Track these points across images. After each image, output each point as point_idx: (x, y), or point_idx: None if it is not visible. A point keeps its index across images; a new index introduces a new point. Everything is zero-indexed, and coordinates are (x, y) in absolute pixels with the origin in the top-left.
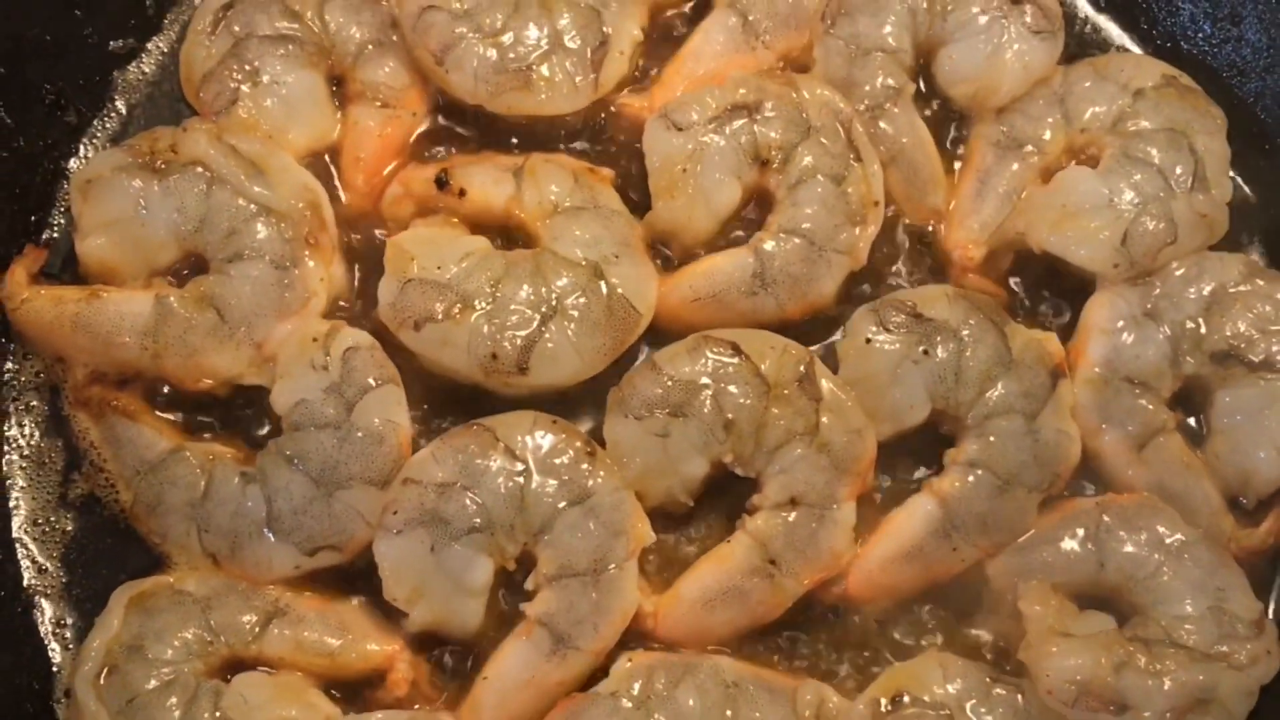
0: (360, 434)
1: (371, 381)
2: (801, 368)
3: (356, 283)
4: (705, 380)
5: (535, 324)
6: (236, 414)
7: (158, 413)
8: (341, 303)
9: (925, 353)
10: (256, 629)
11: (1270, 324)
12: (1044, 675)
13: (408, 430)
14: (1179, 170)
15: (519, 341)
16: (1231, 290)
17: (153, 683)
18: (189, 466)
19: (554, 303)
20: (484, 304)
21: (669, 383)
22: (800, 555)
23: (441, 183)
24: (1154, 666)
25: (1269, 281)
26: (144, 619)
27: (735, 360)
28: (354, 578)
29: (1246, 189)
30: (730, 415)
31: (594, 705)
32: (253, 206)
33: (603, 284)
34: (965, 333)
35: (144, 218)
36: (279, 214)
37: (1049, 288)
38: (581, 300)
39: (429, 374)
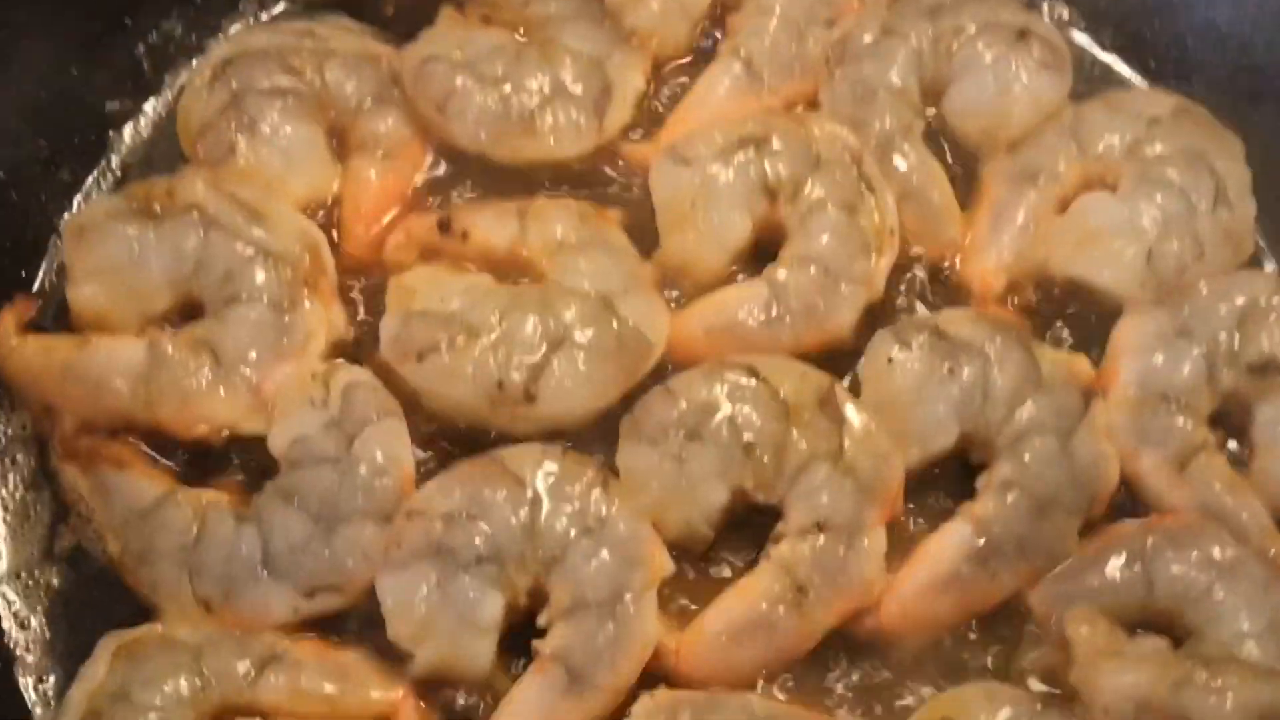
0: (362, 467)
1: (373, 415)
2: (822, 392)
3: (354, 331)
4: (722, 403)
5: (543, 352)
6: (234, 464)
7: (149, 461)
8: (343, 352)
9: (950, 371)
10: (251, 675)
11: None
12: (1099, 693)
13: (410, 465)
14: (1200, 190)
15: (526, 370)
16: (1263, 304)
17: None
18: (181, 511)
19: (562, 333)
20: (489, 335)
21: (684, 406)
22: (830, 582)
23: (444, 226)
24: (1215, 683)
25: None
26: (131, 667)
27: (753, 383)
28: (355, 624)
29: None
30: (749, 438)
31: None
32: (250, 249)
33: (613, 316)
34: (991, 351)
35: (138, 263)
36: (277, 256)
37: (1072, 323)
38: (590, 330)
39: (434, 417)
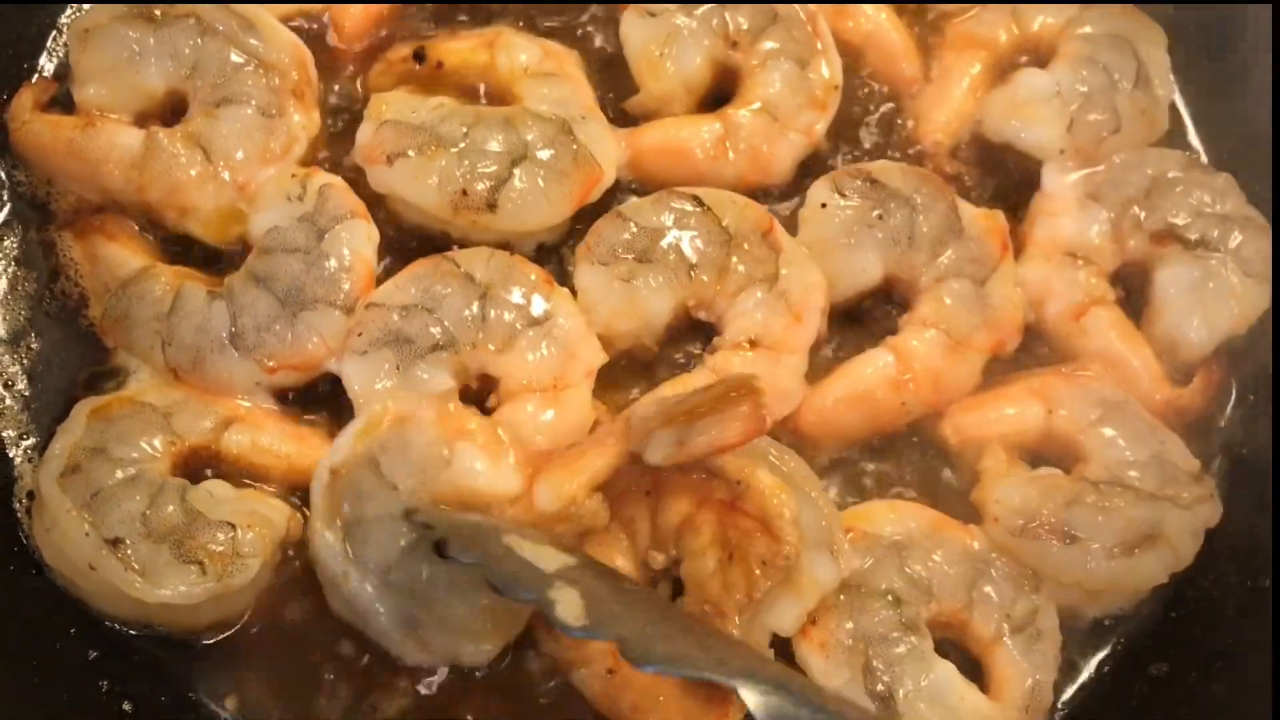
0: (329, 260)
1: (344, 214)
2: (762, 225)
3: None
4: (669, 228)
5: (506, 165)
6: (212, 258)
7: (137, 237)
8: (322, 154)
9: (879, 217)
10: (216, 431)
11: (1206, 208)
12: (992, 504)
13: (372, 263)
14: (1123, 70)
15: (489, 180)
16: (1171, 177)
17: (118, 475)
18: (158, 283)
19: (524, 150)
20: (455, 146)
21: (635, 229)
22: None
23: (420, 57)
24: (1102, 503)
25: (1205, 173)
26: (106, 426)
27: (698, 211)
28: (314, 402)
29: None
30: (693, 259)
31: None
32: (243, 57)
33: (571, 139)
34: (918, 200)
35: (138, 64)
36: (268, 65)
37: (1001, 185)
38: (550, 151)
39: (398, 226)
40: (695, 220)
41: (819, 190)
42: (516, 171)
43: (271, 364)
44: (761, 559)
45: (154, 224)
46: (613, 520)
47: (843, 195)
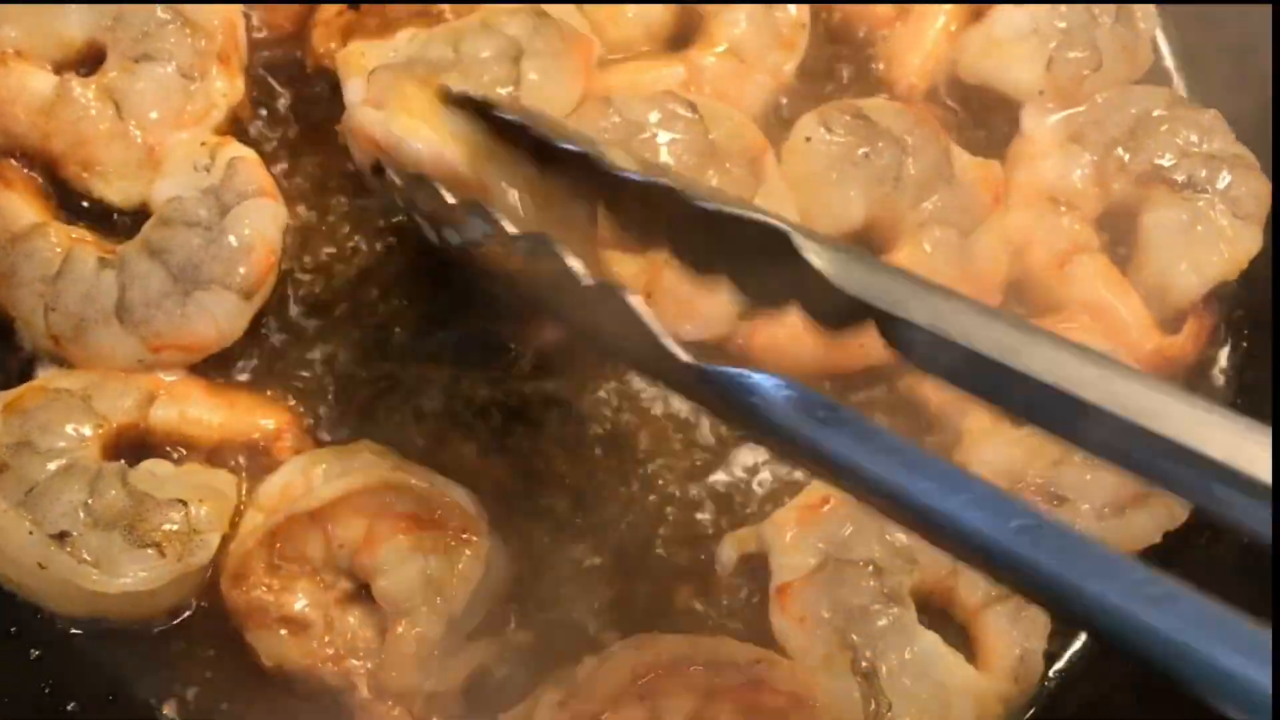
0: (230, 238)
1: (251, 191)
2: (754, 150)
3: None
4: (651, 125)
5: (508, 66)
6: (114, 222)
7: (36, 190)
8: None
9: (866, 155)
10: (140, 408)
11: (1193, 147)
12: (976, 465)
13: (276, 248)
14: (1103, 3)
15: (505, 85)
16: (1155, 116)
17: (50, 467)
18: (48, 243)
19: (518, 46)
20: (455, 67)
21: (616, 119)
22: None
23: (353, 4)
24: (1091, 462)
25: (1192, 111)
26: (24, 419)
27: (688, 116)
28: (236, 360)
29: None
30: (667, 162)
31: None
32: (170, 13)
33: (550, 21)
34: (910, 141)
35: (59, 9)
36: (194, 25)
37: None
38: (539, 39)
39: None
40: (683, 126)
41: (805, 125)
42: (523, 66)
43: (157, 342)
44: None
45: (56, 180)
46: None
47: (830, 131)
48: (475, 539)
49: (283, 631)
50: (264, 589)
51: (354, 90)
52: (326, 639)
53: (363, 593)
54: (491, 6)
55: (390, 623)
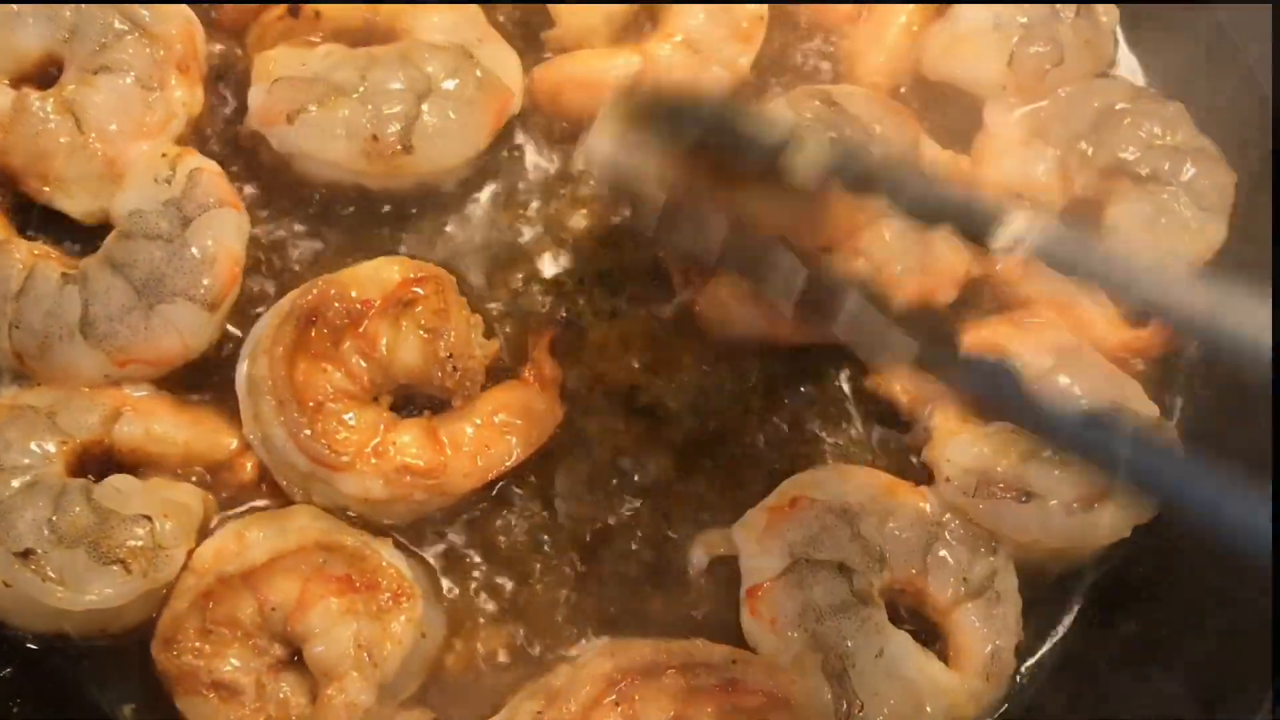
0: (192, 249)
1: (212, 202)
2: None
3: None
4: None
5: (412, 103)
6: (78, 235)
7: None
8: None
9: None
10: (105, 425)
11: (1157, 140)
12: (944, 464)
13: (240, 258)
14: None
15: (398, 121)
16: (1118, 109)
17: (14, 484)
18: (10, 259)
19: (427, 84)
20: (355, 93)
21: None
22: None
23: (294, 12)
24: (1060, 457)
25: (1154, 102)
26: None
27: None
28: (202, 377)
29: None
30: None
31: None
32: (127, 24)
33: (473, 64)
34: (878, 129)
35: (14, 22)
36: (153, 35)
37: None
38: (454, 80)
39: (311, 188)
40: None
41: (775, 109)
42: (424, 107)
43: (122, 357)
44: None
45: (16, 194)
46: None
47: (799, 116)
48: (409, 602)
49: (212, 696)
50: (194, 654)
51: (255, 96)
52: (257, 705)
53: (295, 658)
54: (423, 43)
55: (320, 688)
